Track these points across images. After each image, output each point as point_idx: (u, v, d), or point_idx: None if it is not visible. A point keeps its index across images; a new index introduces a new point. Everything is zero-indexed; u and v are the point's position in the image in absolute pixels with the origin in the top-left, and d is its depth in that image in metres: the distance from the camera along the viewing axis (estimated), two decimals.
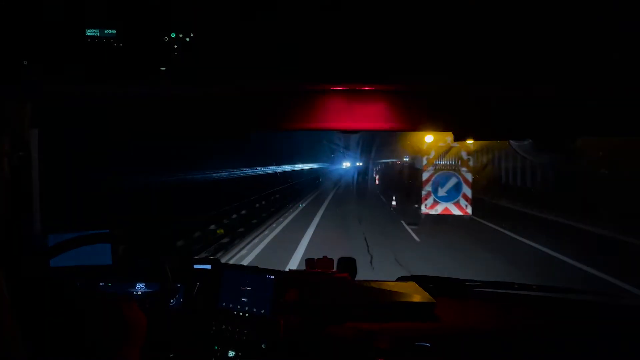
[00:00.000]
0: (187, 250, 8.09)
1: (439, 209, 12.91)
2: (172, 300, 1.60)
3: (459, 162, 12.98)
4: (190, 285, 1.65)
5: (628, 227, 9.90)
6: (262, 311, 1.54)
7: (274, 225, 12.55)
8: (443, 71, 1.14)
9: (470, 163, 13.14)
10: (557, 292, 1.78)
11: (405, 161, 20.90)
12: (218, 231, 9.59)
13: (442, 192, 12.90)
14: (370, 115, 1.36)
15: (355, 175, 36.74)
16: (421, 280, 1.85)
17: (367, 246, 9.05)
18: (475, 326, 1.51)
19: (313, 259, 1.92)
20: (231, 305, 1.58)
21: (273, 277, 1.59)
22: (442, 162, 13.08)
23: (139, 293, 1.66)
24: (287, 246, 9.15)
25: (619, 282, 6.65)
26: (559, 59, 1.11)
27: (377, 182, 35.49)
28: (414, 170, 15.72)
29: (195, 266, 1.78)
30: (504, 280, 1.80)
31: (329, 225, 12.52)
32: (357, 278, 1.91)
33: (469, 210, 12.85)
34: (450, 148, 12.78)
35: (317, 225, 12.29)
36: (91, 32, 1.12)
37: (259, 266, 1.70)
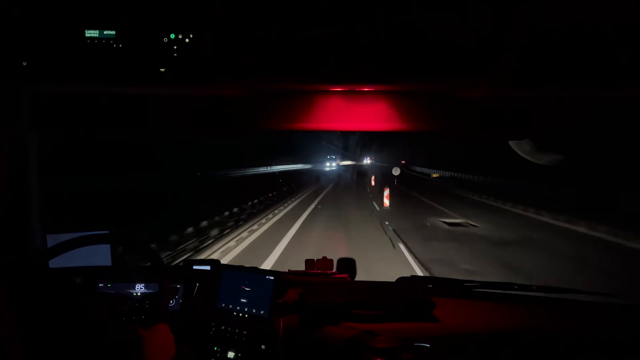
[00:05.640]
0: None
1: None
2: (171, 301, 1.60)
3: None
4: (189, 286, 1.64)
5: None
6: (262, 312, 1.54)
7: None
8: (442, 72, 1.14)
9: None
10: (557, 292, 1.77)
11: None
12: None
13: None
14: (370, 115, 1.36)
15: None
16: (420, 281, 1.85)
17: None
18: (474, 327, 1.50)
19: (312, 260, 1.92)
20: (230, 306, 1.58)
21: (272, 277, 1.59)
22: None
23: (138, 294, 1.66)
24: None
25: None
26: (559, 59, 1.11)
27: None
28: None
29: (194, 267, 1.78)
30: (503, 281, 1.80)
31: None
32: (356, 279, 1.91)
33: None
34: None
35: None
36: (90, 33, 1.12)
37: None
